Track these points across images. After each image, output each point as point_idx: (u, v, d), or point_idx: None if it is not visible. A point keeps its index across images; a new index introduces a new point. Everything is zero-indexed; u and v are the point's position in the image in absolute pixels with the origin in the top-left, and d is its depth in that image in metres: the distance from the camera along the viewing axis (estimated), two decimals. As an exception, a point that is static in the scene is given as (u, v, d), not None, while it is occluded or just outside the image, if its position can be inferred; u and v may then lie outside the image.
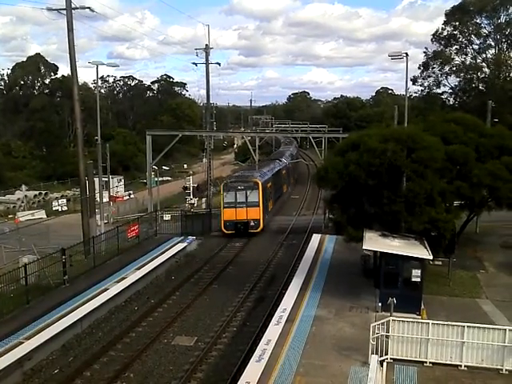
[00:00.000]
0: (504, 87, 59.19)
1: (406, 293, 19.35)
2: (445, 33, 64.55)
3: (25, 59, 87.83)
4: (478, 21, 63.93)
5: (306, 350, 17.14)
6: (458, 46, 64.89)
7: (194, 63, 52.04)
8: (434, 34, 65.41)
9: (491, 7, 62.32)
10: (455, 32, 64.16)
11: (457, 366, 15.97)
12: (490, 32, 64.00)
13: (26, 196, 55.16)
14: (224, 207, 39.52)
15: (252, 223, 39.67)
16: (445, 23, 64.53)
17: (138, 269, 27.98)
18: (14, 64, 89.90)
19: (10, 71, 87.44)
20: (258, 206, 40.11)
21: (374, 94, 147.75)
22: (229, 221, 39.16)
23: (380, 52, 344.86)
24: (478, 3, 62.16)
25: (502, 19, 63.48)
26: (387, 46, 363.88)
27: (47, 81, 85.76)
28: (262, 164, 57.42)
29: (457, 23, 63.54)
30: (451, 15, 64.17)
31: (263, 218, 40.40)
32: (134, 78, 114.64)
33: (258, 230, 39.86)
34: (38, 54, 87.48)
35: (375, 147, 20.86)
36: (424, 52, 66.53)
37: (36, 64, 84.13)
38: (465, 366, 15.90)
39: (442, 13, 65.41)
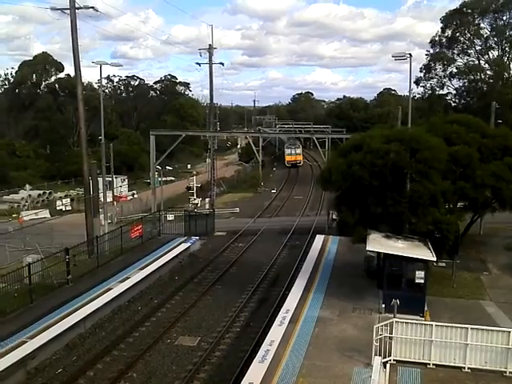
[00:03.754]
0: (506, 89, 58.97)
1: (410, 294, 19.33)
2: (445, 34, 64.39)
3: (29, 58, 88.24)
4: (478, 23, 63.80)
5: (309, 351, 17.15)
6: (459, 48, 64.76)
7: (197, 63, 52.19)
8: (431, 41, 65.38)
9: (493, 9, 62.21)
10: (456, 34, 64.03)
11: (460, 368, 15.95)
12: (491, 34, 63.82)
13: (29, 195, 55.27)
14: (286, 155, 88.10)
15: (298, 161, 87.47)
16: (444, 26, 64.40)
17: (142, 269, 28.01)
18: (18, 63, 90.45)
19: (13, 70, 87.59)
20: (301, 154, 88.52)
21: (377, 95, 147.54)
22: (288, 160, 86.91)
23: (384, 52, 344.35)
24: (478, 5, 62.04)
25: (505, 21, 63.33)
26: (392, 46, 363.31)
27: (53, 79, 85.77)
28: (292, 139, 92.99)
29: (456, 26, 63.40)
30: (450, 17, 64.01)
31: (302, 160, 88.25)
32: (137, 78, 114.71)
33: (301, 164, 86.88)
34: (44, 53, 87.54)
35: (378, 148, 20.86)
36: (426, 54, 66.46)
37: (43, 63, 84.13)
38: (468, 368, 15.88)
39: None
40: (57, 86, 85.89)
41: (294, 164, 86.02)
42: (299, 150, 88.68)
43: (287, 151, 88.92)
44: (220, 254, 34.27)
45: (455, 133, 24.32)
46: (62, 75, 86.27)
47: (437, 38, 65.12)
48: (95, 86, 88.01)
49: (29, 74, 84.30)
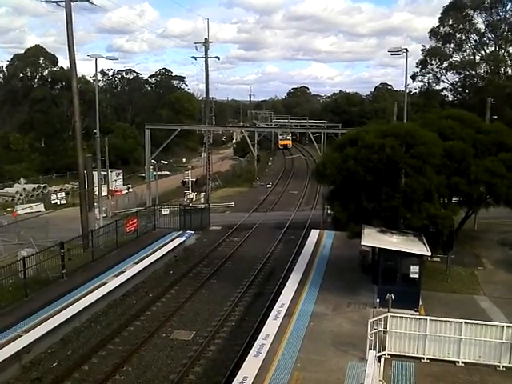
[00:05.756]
0: (502, 84, 59.03)
1: (404, 289, 19.39)
2: (442, 30, 64.40)
3: (23, 51, 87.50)
4: (473, 18, 63.83)
5: (304, 345, 17.20)
6: (455, 43, 64.75)
7: (193, 57, 52.07)
8: (431, 31, 65.35)
9: (488, 4, 62.27)
10: (452, 29, 64.02)
11: (454, 362, 16.04)
12: (486, 29, 63.83)
13: (24, 189, 55.11)
14: (279, 140, 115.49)
15: (288, 145, 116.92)
16: (441, 21, 64.42)
17: (137, 263, 28.01)
18: (12, 56, 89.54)
19: (8, 63, 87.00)
20: (290, 140, 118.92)
21: (373, 90, 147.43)
22: (281, 144, 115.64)
23: (381, 47, 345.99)
24: (473, 0, 62.12)
25: (501, 15, 63.39)
26: (388, 41, 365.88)
27: (46, 72, 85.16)
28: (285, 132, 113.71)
29: (452, 21, 63.42)
30: (446, 13, 64.01)
31: (291, 143, 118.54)
32: (132, 72, 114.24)
33: (290, 147, 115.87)
34: (37, 46, 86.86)
35: (373, 142, 20.87)
36: (421, 50, 66.44)
37: (35, 56, 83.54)
38: (462, 363, 15.96)
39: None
40: (50, 78, 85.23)
41: (285, 146, 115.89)
42: (289, 137, 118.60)
43: (280, 137, 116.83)
44: (215, 249, 34.29)
45: (449, 128, 24.36)
46: (55, 68, 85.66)
47: (433, 34, 65.14)
48: (89, 78, 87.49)
49: (21, 67, 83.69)
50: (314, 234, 32.72)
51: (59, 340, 19.84)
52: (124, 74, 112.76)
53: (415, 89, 68.78)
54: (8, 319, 19.96)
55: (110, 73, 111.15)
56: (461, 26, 63.63)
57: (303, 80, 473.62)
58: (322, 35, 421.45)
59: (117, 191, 55.81)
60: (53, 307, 21.32)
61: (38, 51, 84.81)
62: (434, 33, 64.93)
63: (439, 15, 64.77)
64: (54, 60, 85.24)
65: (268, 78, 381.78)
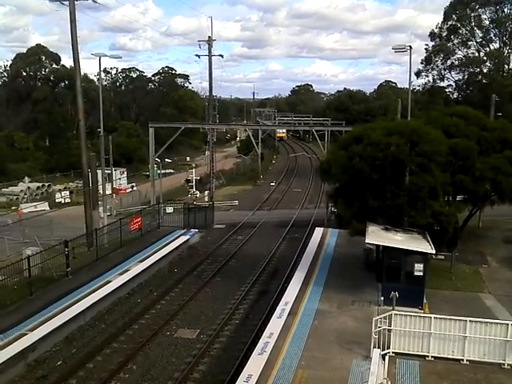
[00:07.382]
0: (505, 83, 58.79)
1: (409, 287, 19.31)
2: (446, 26, 64.23)
3: (26, 50, 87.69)
4: (480, 14, 63.63)
5: (308, 343, 17.19)
6: (459, 40, 64.56)
7: (196, 55, 51.90)
8: (431, 33, 65.20)
9: (494, 1, 62.07)
10: (457, 25, 63.84)
11: (459, 360, 16.01)
12: (491, 25, 63.58)
13: (29, 188, 55.24)
14: (276, 133, 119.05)
15: (283, 137, 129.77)
16: (445, 17, 64.25)
17: (141, 261, 28.03)
18: (15, 55, 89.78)
19: (11, 62, 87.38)
20: (285, 133, 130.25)
21: (377, 88, 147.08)
22: (277, 136, 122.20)
23: (385, 44, 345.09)
24: None
25: (506, 12, 63.15)
26: (392, 38, 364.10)
27: (48, 71, 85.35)
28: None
29: (457, 16, 63.25)
30: (452, 9, 63.83)
31: (286, 136, 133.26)
32: (136, 70, 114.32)
33: (286, 138, 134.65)
34: (38, 45, 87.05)
35: (379, 140, 20.81)
36: (425, 48, 66.27)
37: (36, 54, 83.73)
38: (467, 361, 15.94)
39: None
40: (53, 77, 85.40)
41: (281, 138, 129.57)
42: (284, 131, 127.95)
43: (278, 131, 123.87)
44: (219, 247, 34.31)
45: (454, 125, 24.28)
46: (57, 66, 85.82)
47: (437, 30, 65.02)
48: (92, 77, 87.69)
49: (23, 66, 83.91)
50: (318, 232, 32.69)
51: (64, 338, 19.91)
52: (127, 72, 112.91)
53: (419, 86, 68.73)
54: (13, 318, 20.01)
55: (114, 71, 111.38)
56: (466, 22, 63.47)
57: (307, 78, 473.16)
58: (326, 32, 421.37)
59: (121, 190, 55.92)
60: (57, 306, 21.36)
61: (39, 50, 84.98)
62: (434, 34, 64.83)
63: (444, 11, 64.60)
64: (55, 58, 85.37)
65: (271, 76, 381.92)
